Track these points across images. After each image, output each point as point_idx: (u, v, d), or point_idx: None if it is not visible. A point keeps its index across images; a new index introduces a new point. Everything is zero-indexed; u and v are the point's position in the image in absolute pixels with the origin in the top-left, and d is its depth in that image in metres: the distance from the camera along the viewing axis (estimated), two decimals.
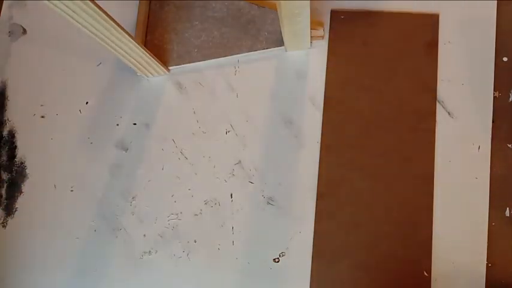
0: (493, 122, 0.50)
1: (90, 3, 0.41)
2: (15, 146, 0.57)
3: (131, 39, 0.46)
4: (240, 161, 0.53)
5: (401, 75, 0.51)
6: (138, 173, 0.54)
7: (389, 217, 0.49)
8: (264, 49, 0.53)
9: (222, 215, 0.52)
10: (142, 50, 0.48)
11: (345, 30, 0.53)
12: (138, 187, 0.54)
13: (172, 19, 0.55)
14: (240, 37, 0.54)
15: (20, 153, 0.56)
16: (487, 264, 0.47)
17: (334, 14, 0.54)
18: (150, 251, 0.52)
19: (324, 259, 0.49)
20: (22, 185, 0.55)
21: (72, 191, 0.54)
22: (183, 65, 0.55)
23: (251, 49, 0.54)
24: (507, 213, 0.48)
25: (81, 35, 0.59)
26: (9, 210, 0.55)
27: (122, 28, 0.45)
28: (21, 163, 0.56)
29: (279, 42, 0.53)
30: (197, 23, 0.55)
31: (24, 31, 0.60)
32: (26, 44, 0.60)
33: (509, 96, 0.51)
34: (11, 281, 0.53)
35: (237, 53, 0.54)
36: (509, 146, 0.50)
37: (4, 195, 0.55)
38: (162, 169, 0.54)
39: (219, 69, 0.55)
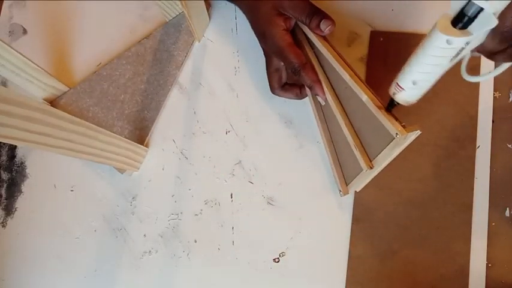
0: (493, 122, 0.50)
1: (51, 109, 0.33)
2: (15, 146, 0.57)
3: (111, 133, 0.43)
4: (240, 161, 0.53)
5: (441, 100, 0.50)
6: (138, 173, 0.54)
7: (426, 245, 0.48)
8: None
9: (222, 215, 0.52)
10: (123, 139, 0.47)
11: (384, 52, 0.52)
12: (138, 187, 0.54)
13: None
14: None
15: (20, 153, 0.56)
16: (487, 264, 0.47)
17: (374, 36, 0.53)
18: (150, 251, 0.52)
19: (359, 285, 0.48)
20: (22, 185, 0.55)
21: (72, 191, 0.54)
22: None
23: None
24: (507, 213, 0.48)
25: (82, 36, 0.59)
26: (9, 210, 0.55)
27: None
28: (21, 163, 0.56)
29: None
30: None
31: (25, 31, 0.60)
32: (26, 44, 0.60)
33: (509, 96, 0.51)
34: (11, 281, 0.53)
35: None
36: (509, 146, 0.50)
37: (4, 195, 0.55)
38: (162, 169, 0.54)
39: (219, 69, 0.55)
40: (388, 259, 0.49)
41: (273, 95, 0.52)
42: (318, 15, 0.45)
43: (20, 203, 0.55)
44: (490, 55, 0.35)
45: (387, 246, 0.49)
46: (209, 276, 0.51)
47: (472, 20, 0.30)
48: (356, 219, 0.50)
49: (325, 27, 0.45)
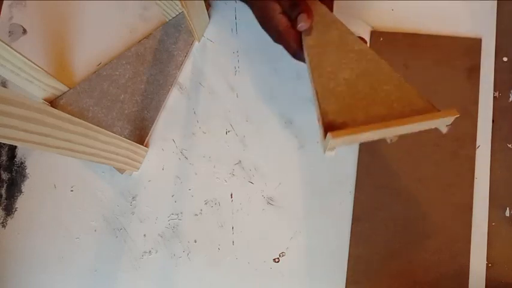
0: (493, 122, 0.50)
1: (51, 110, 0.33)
2: (15, 146, 0.57)
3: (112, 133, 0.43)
4: (240, 161, 0.53)
5: (441, 99, 0.49)
6: (138, 173, 0.54)
7: (426, 245, 0.48)
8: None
9: (222, 215, 0.52)
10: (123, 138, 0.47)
11: (385, 52, 0.52)
12: (138, 187, 0.54)
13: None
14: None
15: (20, 153, 0.56)
16: (487, 264, 0.47)
17: (374, 36, 0.53)
18: (150, 251, 0.52)
19: (359, 285, 0.48)
20: (22, 185, 0.55)
21: (72, 191, 0.54)
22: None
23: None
24: (507, 213, 0.48)
25: (82, 36, 0.59)
26: (9, 210, 0.55)
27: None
28: (21, 163, 0.56)
29: None
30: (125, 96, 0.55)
31: (24, 31, 0.60)
32: (26, 44, 0.60)
33: (509, 96, 0.51)
34: (11, 281, 0.53)
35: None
36: (509, 146, 0.50)
37: (4, 195, 0.55)
38: (162, 169, 0.54)
39: (219, 69, 0.55)
40: (388, 259, 0.49)
41: (272, 95, 0.52)
42: (297, 8, 0.43)
43: (20, 203, 0.55)
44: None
45: (387, 246, 0.49)
46: (209, 276, 0.51)
47: None
48: (356, 219, 0.50)
49: (299, 23, 0.42)
